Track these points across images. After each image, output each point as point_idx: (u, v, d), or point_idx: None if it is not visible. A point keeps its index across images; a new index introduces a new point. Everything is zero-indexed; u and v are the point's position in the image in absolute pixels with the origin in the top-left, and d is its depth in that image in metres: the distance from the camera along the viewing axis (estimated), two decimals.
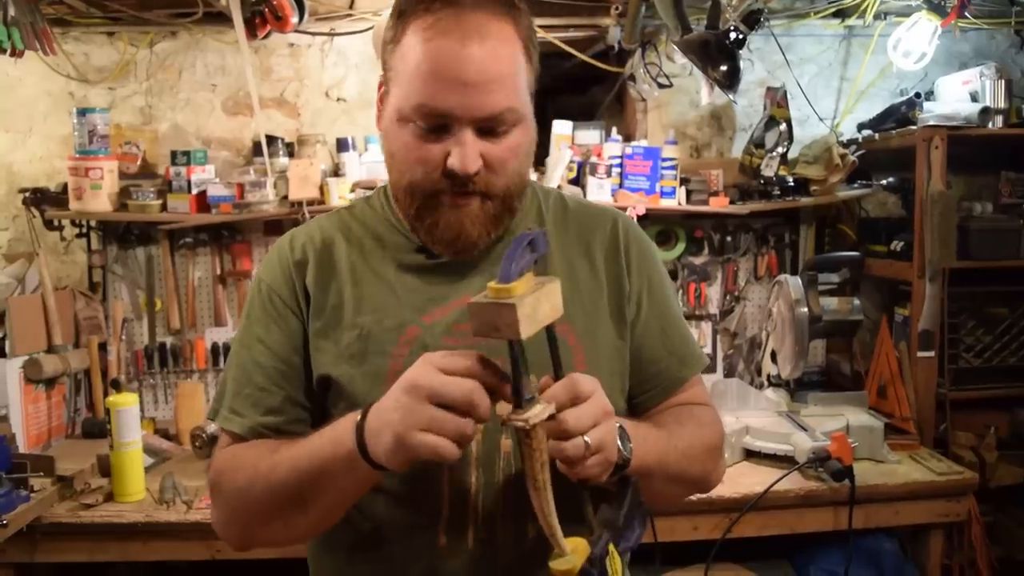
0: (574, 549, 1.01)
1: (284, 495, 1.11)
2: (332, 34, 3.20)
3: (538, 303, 0.96)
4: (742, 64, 2.80)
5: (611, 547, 1.05)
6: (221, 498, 1.21)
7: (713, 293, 3.35)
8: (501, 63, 1.11)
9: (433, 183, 1.13)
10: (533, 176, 2.92)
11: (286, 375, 1.22)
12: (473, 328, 0.97)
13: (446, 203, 1.15)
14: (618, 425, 1.06)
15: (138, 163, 3.11)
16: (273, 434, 1.21)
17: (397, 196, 1.21)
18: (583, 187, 3.05)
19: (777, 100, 3.13)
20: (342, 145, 3.10)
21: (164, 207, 3.01)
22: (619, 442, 1.05)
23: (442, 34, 1.08)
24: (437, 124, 1.11)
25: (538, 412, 0.95)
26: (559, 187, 2.92)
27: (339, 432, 1.06)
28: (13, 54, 2.60)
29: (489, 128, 1.12)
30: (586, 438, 0.97)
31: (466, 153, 1.10)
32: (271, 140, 3.07)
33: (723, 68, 2.75)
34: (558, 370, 1.02)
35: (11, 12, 2.54)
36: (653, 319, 1.30)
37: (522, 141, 1.17)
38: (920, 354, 2.91)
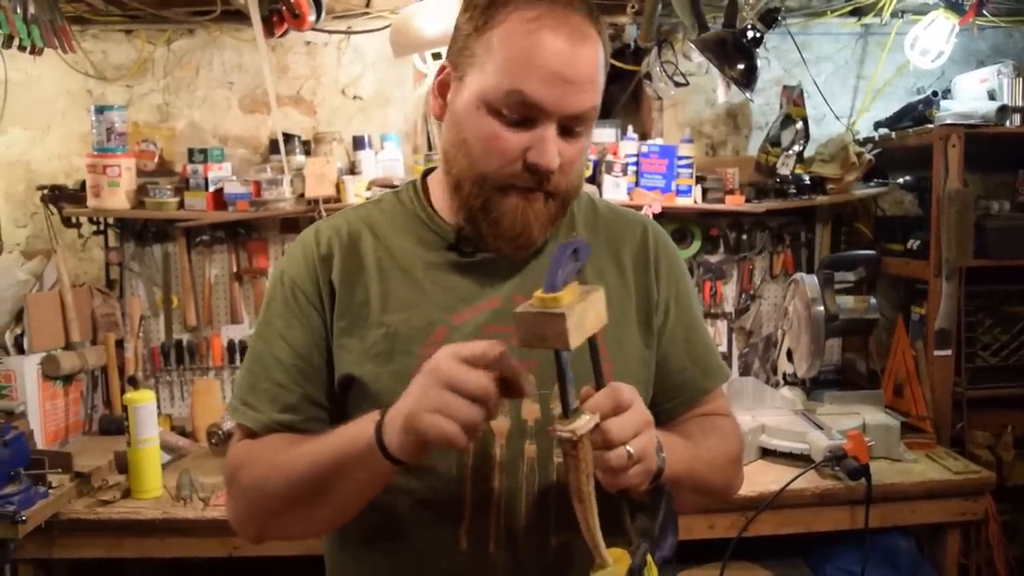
0: (616, 560, 1.01)
1: (302, 488, 1.11)
2: (349, 32, 3.20)
3: (585, 312, 0.94)
4: (759, 62, 2.80)
5: (648, 557, 1.05)
6: (238, 491, 1.20)
7: (729, 291, 3.34)
8: (593, 66, 1.13)
9: (507, 175, 1.13)
10: None
11: (305, 373, 1.21)
12: (519, 338, 0.95)
13: (515, 197, 1.14)
14: None
15: (155, 161, 3.12)
16: (288, 432, 1.20)
17: (461, 185, 1.17)
18: (599, 185, 3.05)
19: (793, 98, 3.12)
20: (358, 143, 3.11)
21: (181, 205, 3.02)
22: None
23: (550, 29, 1.09)
24: (524, 116, 1.11)
25: (585, 423, 0.94)
26: None
27: (359, 426, 1.06)
28: (32, 51, 2.62)
29: (569, 127, 1.13)
30: (628, 448, 0.97)
31: (550, 149, 1.10)
32: (288, 138, 3.08)
33: (740, 66, 2.74)
34: (600, 379, 1.01)
35: (31, 10, 2.56)
36: (679, 328, 1.30)
37: (588, 145, 1.19)
38: (937, 353, 2.90)
